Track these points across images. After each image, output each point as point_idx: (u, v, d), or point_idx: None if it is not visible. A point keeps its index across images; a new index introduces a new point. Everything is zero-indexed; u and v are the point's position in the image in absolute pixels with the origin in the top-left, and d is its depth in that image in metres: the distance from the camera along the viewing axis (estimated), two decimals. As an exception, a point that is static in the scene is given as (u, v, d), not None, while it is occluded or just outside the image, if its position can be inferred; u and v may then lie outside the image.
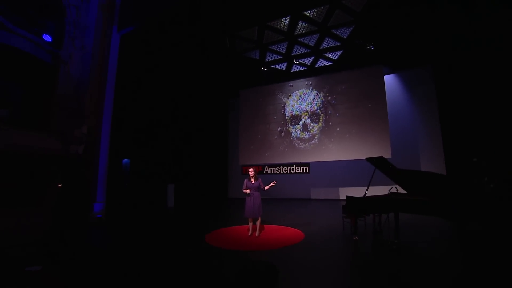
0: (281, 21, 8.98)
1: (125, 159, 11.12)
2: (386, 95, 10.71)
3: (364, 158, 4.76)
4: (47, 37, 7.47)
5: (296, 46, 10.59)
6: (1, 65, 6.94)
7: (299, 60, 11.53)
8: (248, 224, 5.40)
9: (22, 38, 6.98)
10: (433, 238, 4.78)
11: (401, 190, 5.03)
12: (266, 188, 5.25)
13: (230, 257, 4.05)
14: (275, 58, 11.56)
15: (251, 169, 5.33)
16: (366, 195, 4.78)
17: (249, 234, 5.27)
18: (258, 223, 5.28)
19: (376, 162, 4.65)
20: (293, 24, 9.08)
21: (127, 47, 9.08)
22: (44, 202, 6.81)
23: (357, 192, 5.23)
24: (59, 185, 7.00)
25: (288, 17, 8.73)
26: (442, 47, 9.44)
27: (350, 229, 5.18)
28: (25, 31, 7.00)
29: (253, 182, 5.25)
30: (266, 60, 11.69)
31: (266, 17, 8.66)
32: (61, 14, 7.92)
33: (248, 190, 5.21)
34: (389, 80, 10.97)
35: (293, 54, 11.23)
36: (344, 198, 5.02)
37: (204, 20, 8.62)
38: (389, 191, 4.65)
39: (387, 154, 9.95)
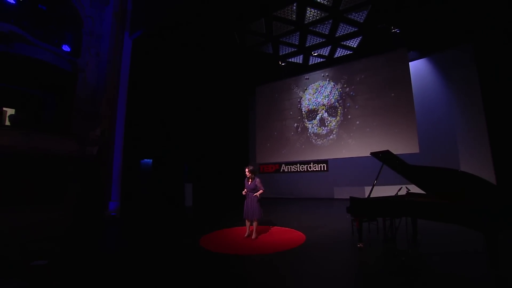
0: (289, 10, 8.41)
1: (145, 159, 11.63)
2: (416, 83, 9.41)
3: (376, 153, 4.07)
4: (66, 48, 8.05)
5: (310, 36, 9.91)
6: (26, 75, 7.70)
7: (316, 51, 10.77)
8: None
9: (44, 50, 7.60)
10: (462, 251, 3.88)
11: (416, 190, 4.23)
12: (257, 194, 4.92)
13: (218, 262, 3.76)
14: (290, 50, 10.99)
15: (246, 169, 5.02)
16: (371, 195, 4.10)
17: (245, 235, 4.96)
18: (254, 225, 4.92)
19: (382, 157, 3.95)
20: (301, 12, 8.46)
21: (138, 51, 9.39)
22: (65, 200, 7.34)
23: (384, 191, 4.55)
24: (77, 185, 7.48)
25: (295, 4, 8.14)
26: (486, 20, 7.90)
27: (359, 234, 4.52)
28: (46, 43, 7.62)
29: (249, 183, 4.97)
30: (281, 53, 11.20)
31: (271, 6, 8.20)
32: (79, 26, 8.48)
33: (245, 191, 4.96)
34: (418, 66, 9.62)
35: (307, 45, 10.55)
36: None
37: (209, 16, 8.49)
38: (398, 191, 3.91)
39: (414, 149, 8.73)
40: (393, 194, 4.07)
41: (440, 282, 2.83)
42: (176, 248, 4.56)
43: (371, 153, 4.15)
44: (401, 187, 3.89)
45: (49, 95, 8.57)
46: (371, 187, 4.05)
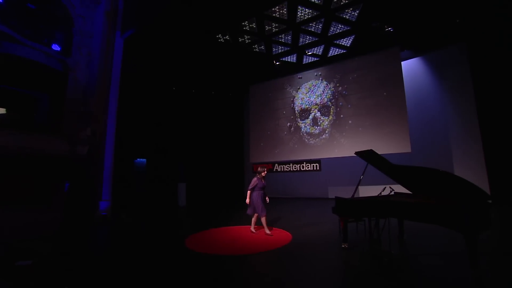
0: (278, 10, 8.34)
1: (139, 159, 11.56)
2: (409, 82, 9.39)
3: (360, 152, 4.02)
4: (56, 47, 7.95)
5: (302, 35, 9.84)
6: (15, 74, 7.59)
7: (310, 50, 10.71)
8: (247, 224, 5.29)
9: (34, 49, 7.51)
10: (447, 252, 3.85)
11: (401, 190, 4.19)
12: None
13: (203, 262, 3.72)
14: (283, 49, 10.93)
15: (265, 169, 5.31)
16: (356, 195, 4.06)
17: (270, 233, 5.04)
18: (255, 220, 5.26)
19: (367, 156, 3.91)
20: (292, 11, 8.40)
21: (130, 50, 9.31)
22: (55, 200, 7.27)
23: (372, 191, 4.56)
24: (67, 184, 7.41)
25: (286, 3, 8.07)
26: (479, 19, 7.85)
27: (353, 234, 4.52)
28: (36, 43, 7.52)
29: (263, 182, 5.18)
30: (274, 52, 11.13)
31: (261, 5, 8.12)
32: (69, 25, 8.38)
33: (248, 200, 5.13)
34: (412, 65, 9.60)
35: (300, 44, 10.49)
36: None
37: (201, 15, 8.41)
38: (381, 191, 3.86)
39: (406, 149, 8.69)
40: (377, 194, 4.03)
41: (420, 283, 2.79)
42: (161, 248, 4.52)
43: (356, 153, 4.12)
44: (385, 187, 3.84)
45: (39, 94, 8.46)
46: (364, 186, 4.02)
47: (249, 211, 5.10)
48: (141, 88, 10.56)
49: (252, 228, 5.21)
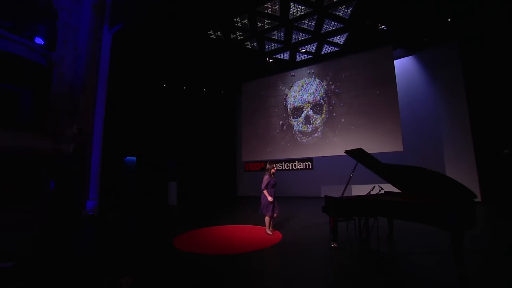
0: (270, 6, 8.25)
1: (129, 157, 11.35)
2: (402, 81, 9.47)
3: (350, 151, 4.01)
4: (39, 40, 7.67)
5: (295, 32, 9.78)
6: (-3, 70, 7.28)
7: (303, 48, 10.67)
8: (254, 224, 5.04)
9: (15, 42, 7.21)
10: (436, 250, 3.89)
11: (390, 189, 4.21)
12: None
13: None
14: (276, 47, 10.85)
15: (274, 167, 5.15)
16: (345, 194, 4.05)
17: (272, 233, 4.93)
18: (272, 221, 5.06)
19: (356, 155, 3.90)
20: (285, 7, 8.32)
21: (119, 45, 9.07)
22: (40, 199, 7.05)
23: (363, 190, 4.55)
24: (52, 183, 7.19)
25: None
26: (471, 18, 7.92)
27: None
28: (17, 36, 7.23)
29: (274, 179, 5.03)
30: (267, 49, 11.04)
31: (253, 1, 8.01)
32: (53, 18, 8.08)
33: (270, 198, 4.89)
34: (405, 63, 9.68)
35: (293, 41, 10.43)
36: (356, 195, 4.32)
37: (192, 10, 8.24)
38: (370, 190, 3.86)
39: (398, 148, 8.77)
40: (366, 193, 4.03)
41: (408, 282, 2.80)
42: (147, 247, 4.43)
43: (346, 151, 4.11)
44: (374, 186, 3.84)
45: (22, 90, 8.16)
46: (356, 185, 4.02)
47: (266, 212, 4.86)
48: (131, 84, 10.32)
49: (268, 230, 4.97)
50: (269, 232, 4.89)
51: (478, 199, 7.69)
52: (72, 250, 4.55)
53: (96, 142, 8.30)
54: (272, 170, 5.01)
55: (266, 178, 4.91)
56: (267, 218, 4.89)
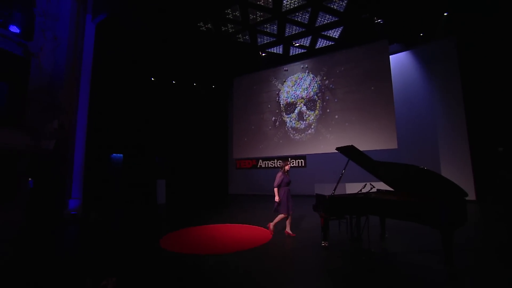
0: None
1: (115, 154, 11.12)
2: (397, 76, 9.48)
3: (341, 148, 4.00)
4: (14, 29, 7.34)
5: (288, 25, 9.70)
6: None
7: (296, 42, 10.60)
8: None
9: (-13, 31, 6.88)
10: (428, 249, 3.94)
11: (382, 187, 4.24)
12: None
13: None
14: (269, 40, 10.75)
15: (288, 164, 5.07)
16: (337, 192, 4.05)
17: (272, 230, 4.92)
18: (289, 219, 4.96)
19: (347, 152, 3.90)
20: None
21: (104, 37, 8.80)
22: (17, 199, 6.82)
23: (356, 188, 4.55)
24: (31, 181, 6.97)
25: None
26: (469, 12, 7.96)
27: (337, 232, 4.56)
28: (-11, 24, 6.90)
29: (287, 177, 4.92)
30: (259, 43, 10.93)
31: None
32: (30, 4, 7.74)
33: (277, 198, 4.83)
34: (401, 59, 9.70)
35: (287, 34, 10.35)
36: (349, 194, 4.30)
37: (179, 1, 8.05)
38: (362, 188, 3.87)
39: (392, 145, 8.86)
40: (356, 192, 4.03)
41: (397, 281, 2.82)
42: (131, 248, 4.35)
43: (337, 148, 4.11)
44: (365, 184, 3.85)
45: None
46: (350, 183, 4.02)
47: (282, 211, 4.78)
48: (117, 78, 10.06)
49: (288, 229, 4.87)
50: (290, 232, 4.81)
51: (473, 198, 7.84)
52: (52, 251, 4.42)
53: (79, 138, 8.07)
54: (286, 168, 4.89)
55: (279, 175, 4.84)
56: (280, 216, 4.82)
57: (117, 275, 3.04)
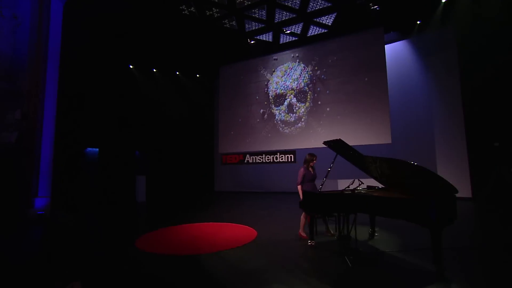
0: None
1: (90, 148, 10.72)
2: (393, 66, 9.36)
3: (329, 142, 3.91)
4: (-34, 6, 6.79)
5: (278, 10, 9.49)
6: None
7: (287, 29, 10.40)
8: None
9: None
10: (420, 248, 3.95)
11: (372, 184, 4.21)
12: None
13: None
14: (258, 26, 10.51)
15: (314, 159, 4.76)
16: (324, 188, 3.98)
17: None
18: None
19: (335, 146, 3.82)
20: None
21: (74, 18, 8.33)
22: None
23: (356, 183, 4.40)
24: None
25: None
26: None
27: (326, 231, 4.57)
28: None
29: (312, 172, 4.66)
30: (247, 29, 10.68)
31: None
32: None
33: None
34: (397, 48, 9.56)
35: (277, 21, 10.15)
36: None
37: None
38: (350, 184, 3.82)
39: (386, 140, 8.90)
40: (343, 188, 3.98)
41: (385, 279, 2.78)
42: (102, 249, 4.17)
43: (324, 142, 4.04)
44: (353, 180, 3.80)
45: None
46: (344, 180, 3.94)
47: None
48: (91, 64, 9.59)
49: (301, 231, 4.51)
50: (304, 234, 4.44)
51: (469, 195, 7.75)
52: (11, 255, 4.17)
53: (47, 129, 7.63)
54: (311, 164, 4.64)
55: (301, 171, 4.56)
56: (303, 219, 4.46)
57: (81, 279, 2.88)
